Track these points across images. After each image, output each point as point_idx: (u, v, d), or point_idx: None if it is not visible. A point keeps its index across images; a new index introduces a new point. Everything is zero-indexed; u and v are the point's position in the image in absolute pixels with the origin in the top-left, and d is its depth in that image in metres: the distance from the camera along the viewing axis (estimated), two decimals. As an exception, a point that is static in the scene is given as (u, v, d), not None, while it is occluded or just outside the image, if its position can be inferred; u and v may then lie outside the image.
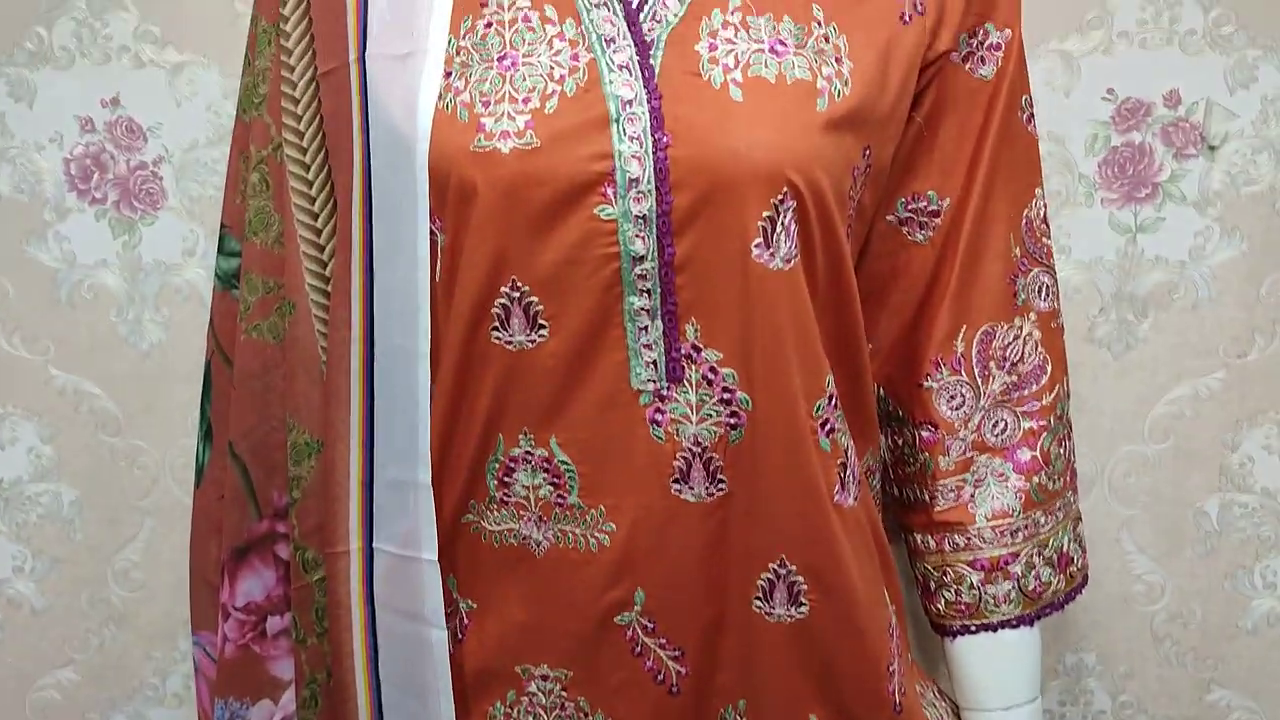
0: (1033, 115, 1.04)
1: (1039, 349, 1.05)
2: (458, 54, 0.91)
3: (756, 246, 0.88)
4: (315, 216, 0.99)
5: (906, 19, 0.95)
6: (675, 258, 0.88)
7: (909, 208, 1.02)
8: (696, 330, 0.90)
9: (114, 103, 1.27)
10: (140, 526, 1.35)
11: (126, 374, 1.32)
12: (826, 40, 0.92)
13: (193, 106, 1.26)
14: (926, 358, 1.03)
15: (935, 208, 1.01)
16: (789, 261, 0.90)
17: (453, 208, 0.90)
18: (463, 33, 0.92)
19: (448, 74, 0.91)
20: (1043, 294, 1.06)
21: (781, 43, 0.90)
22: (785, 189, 0.88)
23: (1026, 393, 1.05)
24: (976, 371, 1.03)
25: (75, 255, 1.30)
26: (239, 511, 1.05)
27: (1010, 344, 1.04)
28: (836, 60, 0.92)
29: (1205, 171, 1.25)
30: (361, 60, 0.94)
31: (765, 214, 0.88)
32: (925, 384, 1.04)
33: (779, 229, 0.89)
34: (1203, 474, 1.31)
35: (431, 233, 0.92)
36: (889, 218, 1.02)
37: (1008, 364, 1.04)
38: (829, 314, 0.94)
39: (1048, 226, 1.06)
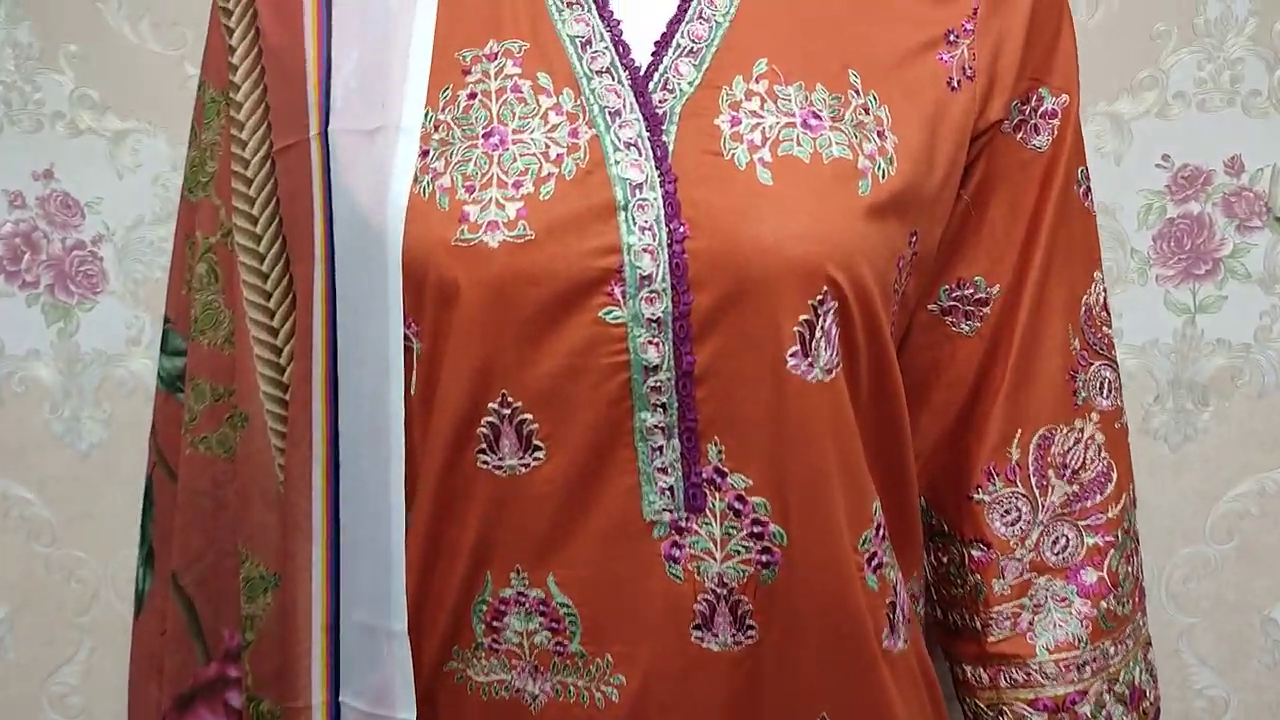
0: (1090, 189, 0.93)
1: (1102, 454, 0.93)
2: (436, 129, 0.78)
3: (793, 356, 0.76)
4: (271, 314, 0.86)
5: (955, 85, 0.83)
6: (695, 367, 0.76)
7: (954, 295, 0.89)
8: (720, 451, 0.77)
9: (47, 175, 1.17)
10: (79, 646, 1.23)
11: (62, 477, 1.21)
12: (866, 111, 0.80)
13: (137, 179, 1.15)
14: (977, 467, 0.91)
15: (983, 295, 0.89)
16: (830, 372, 0.77)
17: (431, 310, 0.77)
18: (442, 104, 0.79)
19: (425, 153, 0.78)
20: (1105, 391, 0.94)
21: (815, 115, 0.78)
22: (825, 288, 0.75)
23: (1089, 504, 0.93)
24: (1034, 481, 0.91)
25: (4, 345, 1.19)
26: (183, 652, 0.92)
27: (1071, 449, 0.92)
28: (879, 135, 0.79)
29: (1271, 245, 1.16)
30: (324, 135, 0.82)
31: (802, 317, 0.75)
32: (976, 497, 0.91)
33: (818, 334, 0.76)
34: (1270, 577, 1.21)
35: (406, 338, 0.79)
36: (931, 307, 0.90)
37: (1068, 472, 0.92)
38: (873, 428, 0.82)
39: (1108, 314, 0.95)
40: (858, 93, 0.80)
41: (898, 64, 0.82)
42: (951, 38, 0.84)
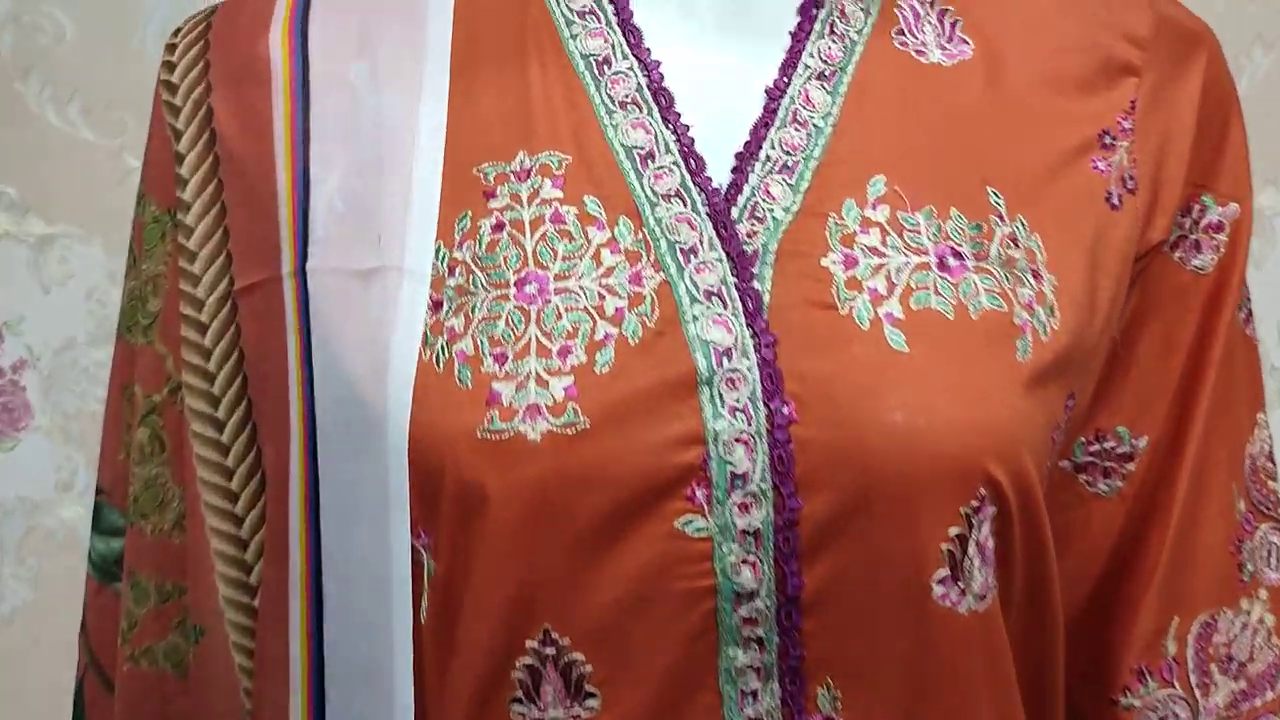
0: (1251, 312, 0.76)
1: (1272, 640, 0.76)
2: (452, 272, 0.60)
3: (940, 583, 0.57)
4: (234, 498, 0.67)
5: (1115, 201, 0.66)
6: (804, 593, 0.58)
7: (1091, 450, 0.72)
8: (835, 699, 0.59)
9: (-42, 289, 1.01)
10: None
11: (-19, 647, 1.03)
12: (1015, 243, 0.62)
13: (66, 294, 1.01)
14: (1124, 664, 0.74)
15: (1127, 449, 0.72)
16: (984, 598, 0.59)
17: (450, 522, 0.59)
18: (459, 238, 0.61)
19: (437, 305, 0.60)
20: (1273, 560, 0.76)
21: (955, 252, 0.60)
22: (982, 489, 0.58)
23: (1259, 703, 0.76)
24: (1194, 680, 0.74)
25: (-90, 492, 1.04)
26: None
27: (1236, 637, 0.75)
28: (1034, 275, 0.62)
29: None
30: (301, 273, 0.64)
31: (952, 530, 0.57)
32: (1124, 701, 0.74)
33: (971, 552, 0.58)
34: None
35: (415, 551, 0.60)
36: (1064, 463, 0.73)
37: (1234, 665, 0.75)
38: (1025, 656, 0.64)
39: (1274, 464, 0.78)
40: (1002, 218, 0.63)
41: (1046, 176, 0.65)
42: (1107, 140, 0.67)
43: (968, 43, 0.66)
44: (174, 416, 0.70)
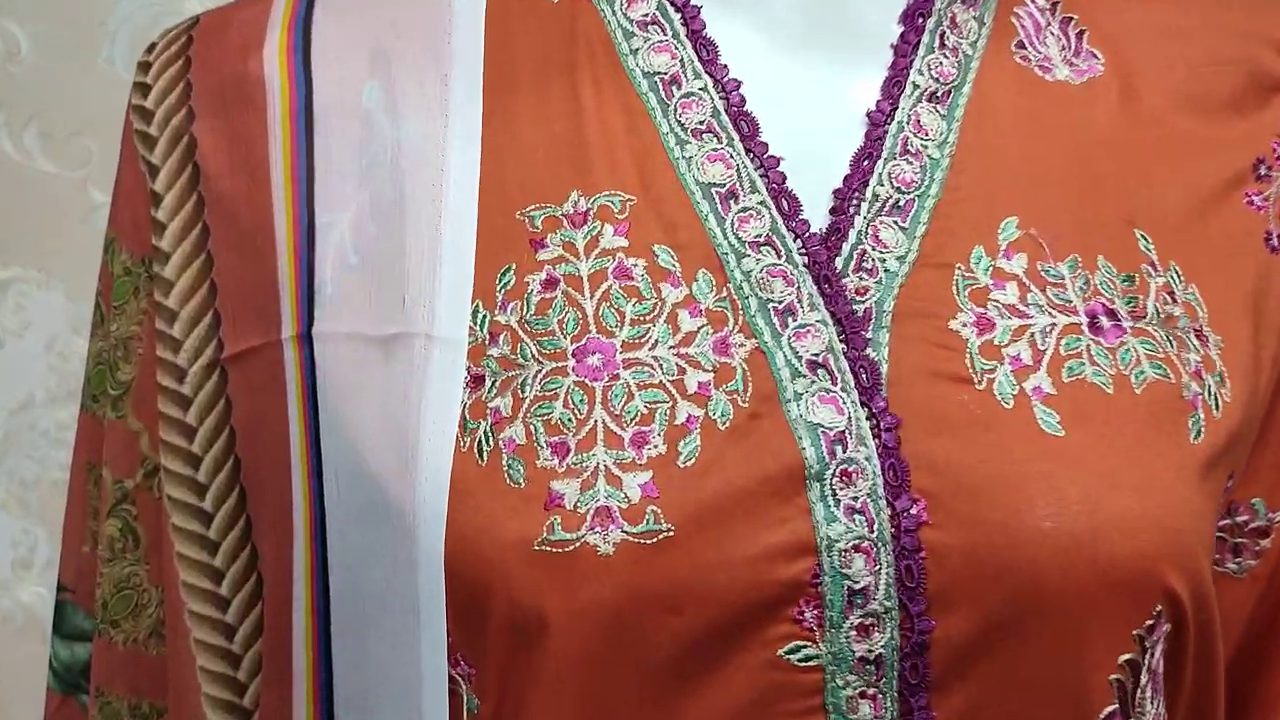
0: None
1: None
2: (495, 340, 0.50)
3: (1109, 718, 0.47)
4: (224, 605, 0.56)
5: (1276, 243, 0.56)
6: None
7: (1220, 523, 0.62)
8: None
9: (-101, 341, 0.89)
10: None
11: (-70, 747, 0.94)
12: (1172, 296, 0.52)
13: (23, 346, 0.89)
14: None
15: (1263, 523, 0.62)
16: None
17: (500, 651, 0.48)
18: (501, 297, 0.50)
19: (477, 380, 0.49)
20: None
21: (1108, 310, 0.50)
22: (1159, 606, 0.47)
23: None
24: None
25: None
26: None
27: None
28: (1197, 335, 0.52)
29: None
30: (306, 338, 0.53)
31: (1124, 657, 0.47)
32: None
33: (1143, 680, 0.48)
34: None
35: (452, 681, 0.49)
36: None
37: None
38: None
39: None
40: (1154, 267, 0.52)
41: (1196, 215, 0.55)
42: (1262, 170, 0.57)
43: (1097, 56, 0.56)
44: (150, 506, 0.59)
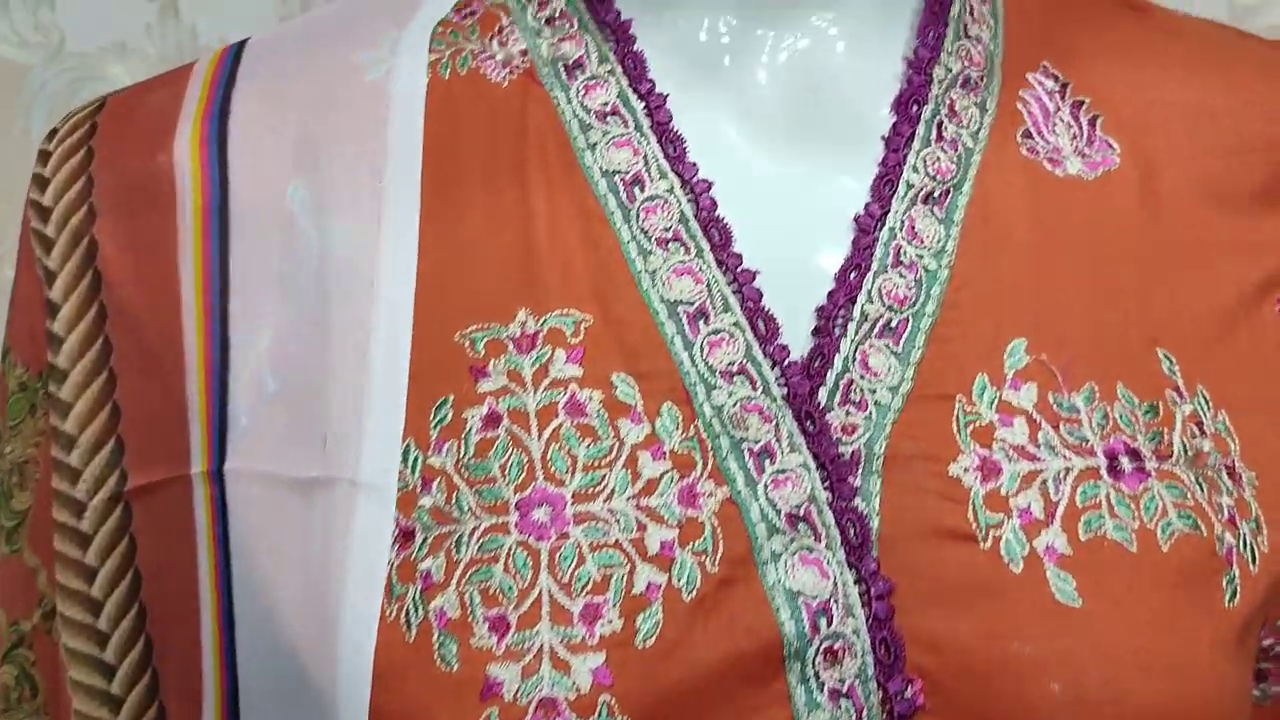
0: None
1: None
2: (428, 486, 0.43)
3: None
4: None
5: None
6: None
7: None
8: None
9: None
10: None
11: None
12: (1199, 428, 0.45)
13: None
14: None
15: None
16: None
17: None
18: (436, 435, 0.43)
19: (407, 535, 0.42)
20: None
21: (1130, 450, 0.43)
22: None
23: None
24: None
25: None
26: None
27: None
28: (1229, 474, 0.45)
29: None
30: (218, 477, 0.46)
31: None
32: None
33: None
34: None
35: None
36: None
37: None
38: None
39: None
40: (1180, 393, 0.45)
41: (1224, 325, 0.48)
42: None
43: (1112, 146, 0.49)
44: (49, 650, 0.51)
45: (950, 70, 0.48)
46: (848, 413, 0.42)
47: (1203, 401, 0.46)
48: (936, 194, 0.46)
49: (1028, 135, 0.48)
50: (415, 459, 0.43)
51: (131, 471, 0.47)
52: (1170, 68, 0.52)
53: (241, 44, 0.52)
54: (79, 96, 0.66)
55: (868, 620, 0.40)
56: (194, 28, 0.65)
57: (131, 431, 0.48)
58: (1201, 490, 0.43)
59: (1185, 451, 0.44)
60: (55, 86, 0.65)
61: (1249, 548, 0.44)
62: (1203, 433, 0.45)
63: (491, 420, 0.42)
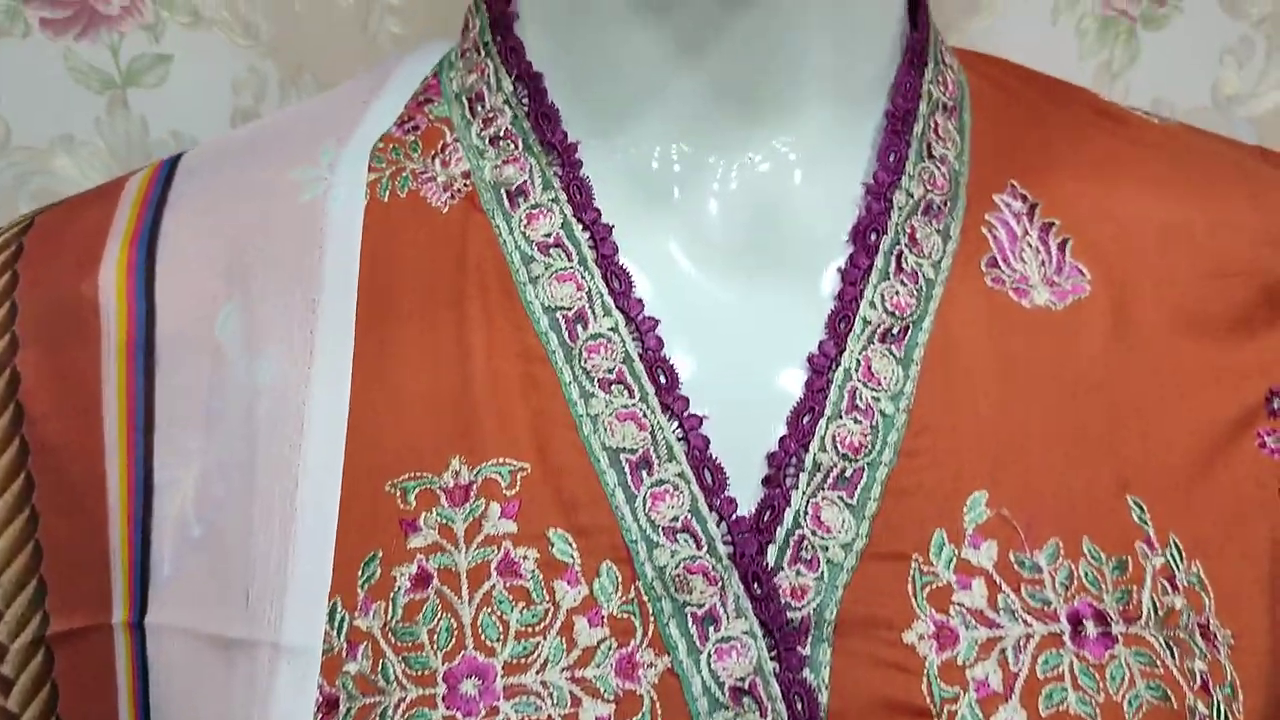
0: None
1: None
2: (353, 651, 0.40)
3: None
4: None
5: None
6: None
7: None
8: None
9: None
10: None
11: None
12: (1171, 584, 0.42)
13: None
14: None
15: None
16: None
17: None
18: (364, 595, 0.41)
19: (330, 703, 0.39)
20: None
21: (1095, 612, 0.40)
22: None
23: None
24: None
25: None
26: None
27: None
28: (1202, 633, 0.42)
29: None
30: (138, 630, 0.43)
31: None
32: None
33: None
34: None
35: None
36: None
37: None
38: None
39: None
40: (1151, 545, 0.42)
41: (1200, 465, 0.45)
42: (1276, 403, 0.47)
43: (1083, 273, 0.46)
44: None
45: (912, 196, 0.46)
46: (798, 573, 0.40)
47: (1175, 552, 0.43)
48: (895, 331, 0.44)
49: (993, 263, 0.46)
50: (341, 620, 0.40)
51: (54, 615, 0.45)
52: (1146, 184, 0.49)
53: (176, 159, 0.50)
54: (25, 189, 0.63)
55: None
56: (144, 119, 0.63)
57: (53, 573, 0.45)
58: (1172, 655, 0.41)
59: (1155, 611, 0.41)
60: (2, 180, 0.63)
61: (1223, 716, 0.41)
62: (1175, 589, 0.42)
63: (421, 580, 0.40)
